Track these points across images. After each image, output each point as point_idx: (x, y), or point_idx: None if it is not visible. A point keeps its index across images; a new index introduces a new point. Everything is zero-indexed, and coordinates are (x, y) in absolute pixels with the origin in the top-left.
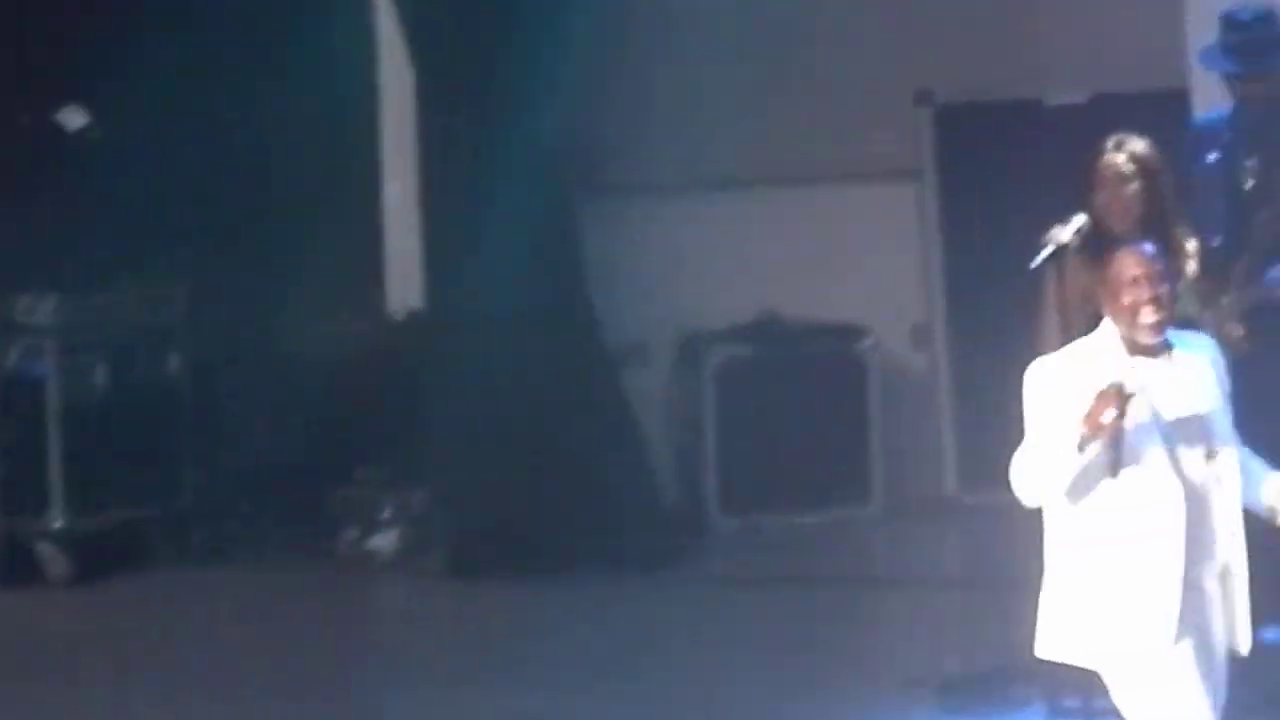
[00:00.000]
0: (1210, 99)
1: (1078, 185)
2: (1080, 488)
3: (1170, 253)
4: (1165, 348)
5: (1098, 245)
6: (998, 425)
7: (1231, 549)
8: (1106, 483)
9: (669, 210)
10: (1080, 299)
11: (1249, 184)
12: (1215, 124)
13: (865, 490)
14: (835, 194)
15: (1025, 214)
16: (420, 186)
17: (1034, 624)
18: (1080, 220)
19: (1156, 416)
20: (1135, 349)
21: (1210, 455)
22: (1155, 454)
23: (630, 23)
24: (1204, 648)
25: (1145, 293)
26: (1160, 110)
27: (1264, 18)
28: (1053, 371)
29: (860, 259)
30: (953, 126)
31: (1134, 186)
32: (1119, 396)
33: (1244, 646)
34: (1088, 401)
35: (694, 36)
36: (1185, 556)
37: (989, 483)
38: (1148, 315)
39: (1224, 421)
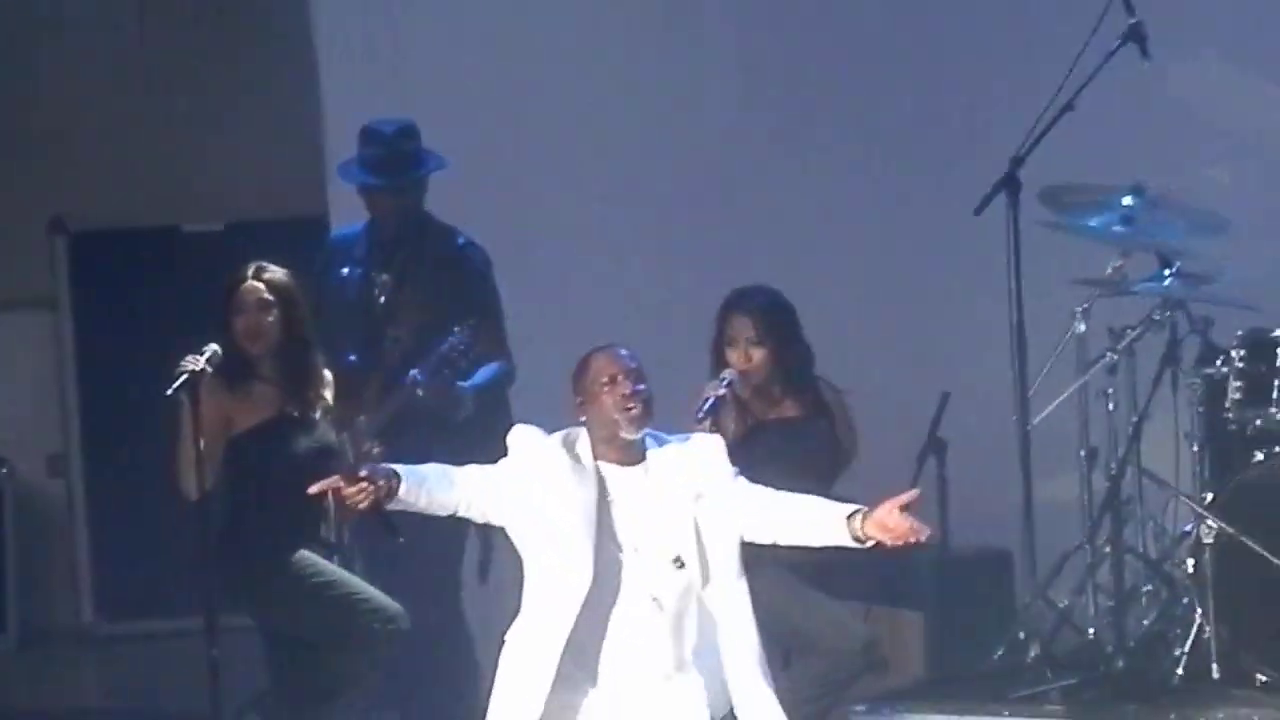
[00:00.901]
0: (350, 221)
1: (215, 311)
2: None
3: (308, 379)
4: (639, 456)
5: (233, 370)
6: (134, 553)
7: (672, 657)
8: (546, 563)
9: None
10: (216, 424)
11: (381, 299)
12: (350, 239)
13: (0, 620)
14: None
15: (162, 342)
16: None
17: None
18: (212, 348)
19: (613, 518)
20: (606, 454)
21: (679, 562)
22: (582, 544)
23: None
24: None
25: (625, 388)
26: (297, 235)
27: (404, 131)
28: (532, 439)
29: None
30: (88, 254)
31: (272, 314)
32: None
33: None
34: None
35: None
36: (572, 655)
37: (127, 611)
38: (632, 409)
39: (692, 524)
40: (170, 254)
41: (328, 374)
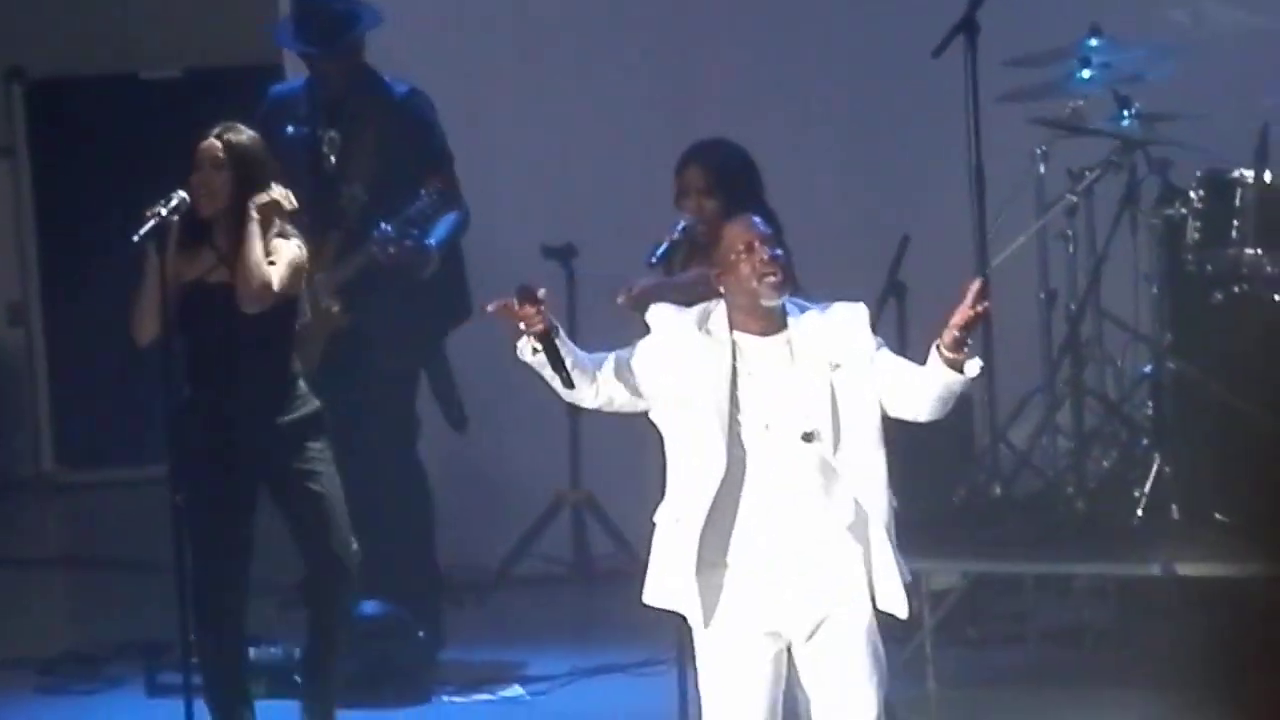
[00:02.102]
0: (305, 71)
1: (178, 160)
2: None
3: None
4: (780, 324)
5: (193, 225)
6: (94, 402)
7: (810, 534)
8: (709, 450)
9: None
10: (171, 275)
11: (332, 158)
12: (291, 96)
13: None
14: None
15: (121, 189)
16: None
17: (132, 603)
18: (180, 196)
19: (744, 393)
20: (746, 324)
21: (808, 437)
22: (713, 428)
23: None
24: (751, 629)
25: (763, 254)
26: (256, 82)
27: None
28: (669, 314)
29: None
30: (46, 102)
31: (224, 175)
32: (525, 298)
33: (885, 604)
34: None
35: None
36: (714, 537)
37: (87, 459)
38: (770, 275)
39: (828, 396)
40: (128, 101)
41: (294, 248)
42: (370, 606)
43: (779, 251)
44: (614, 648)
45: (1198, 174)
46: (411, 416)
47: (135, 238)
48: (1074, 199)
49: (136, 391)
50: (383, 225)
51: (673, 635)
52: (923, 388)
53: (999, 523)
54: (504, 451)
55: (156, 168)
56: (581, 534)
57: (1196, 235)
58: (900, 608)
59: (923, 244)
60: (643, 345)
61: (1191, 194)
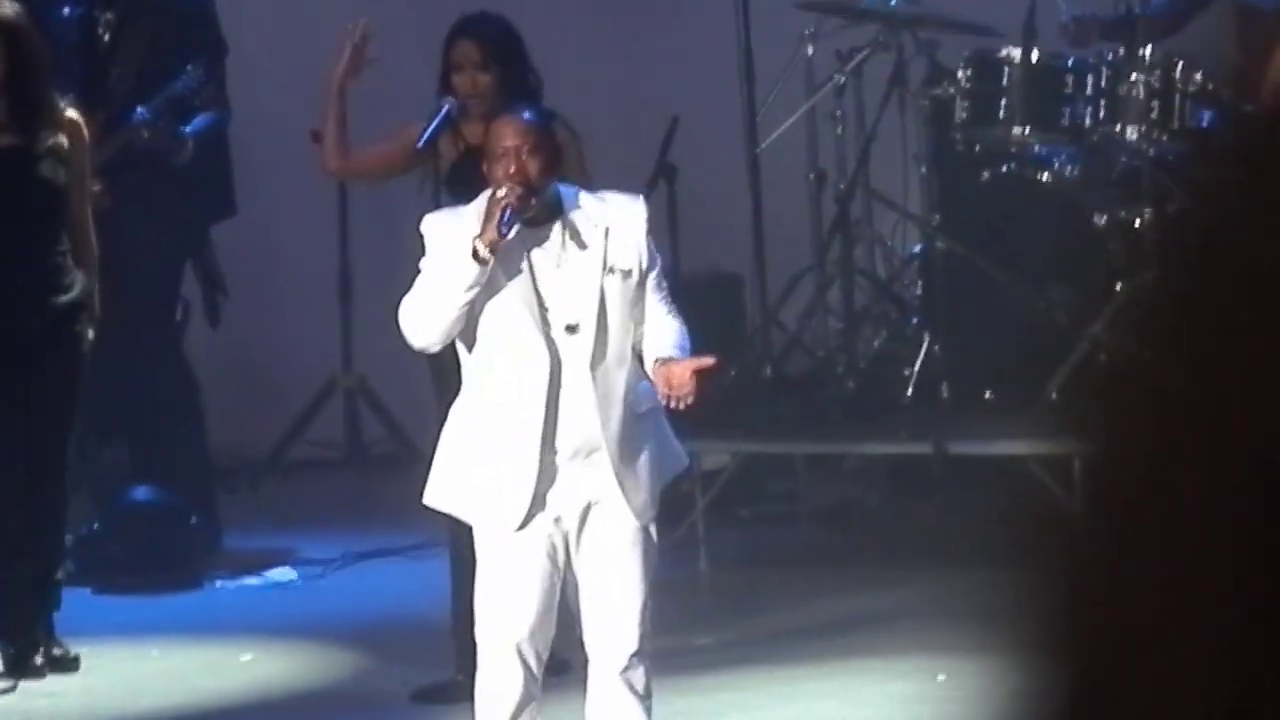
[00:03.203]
0: None
1: None
2: (461, 319)
3: (31, 115)
4: (553, 215)
5: None
6: None
7: (592, 427)
8: (489, 344)
9: None
10: None
11: (105, 37)
12: None
13: None
14: None
15: None
16: None
17: None
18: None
19: (524, 287)
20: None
21: (571, 329)
22: (524, 325)
23: None
24: (552, 527)
25: (511, 165)
26: None
27: None
28: (443, 224)
29: None
30: None
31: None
32: (513, 197)
33: (639, 518)
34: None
35: None
36: (542, 437)
37: None
38: (506, 189)
39: (597, 291)
40: None
41: (69, 113)
42: (142, 492)
43: (537, 159)
44: (387, 532)
45: (965, 54)
46: (174, 303)
47: None
48: (842, 79)
49: None
50: (140, 109)
51: (444, 520)
52: (643, 351)
53: (770, 402)
54: (275, 336)
55: None
56: (355, 419)
57: (964, 114)
58: (644, 518)
59: (692, 126)
60: (431, 257)
61: (959, 73)
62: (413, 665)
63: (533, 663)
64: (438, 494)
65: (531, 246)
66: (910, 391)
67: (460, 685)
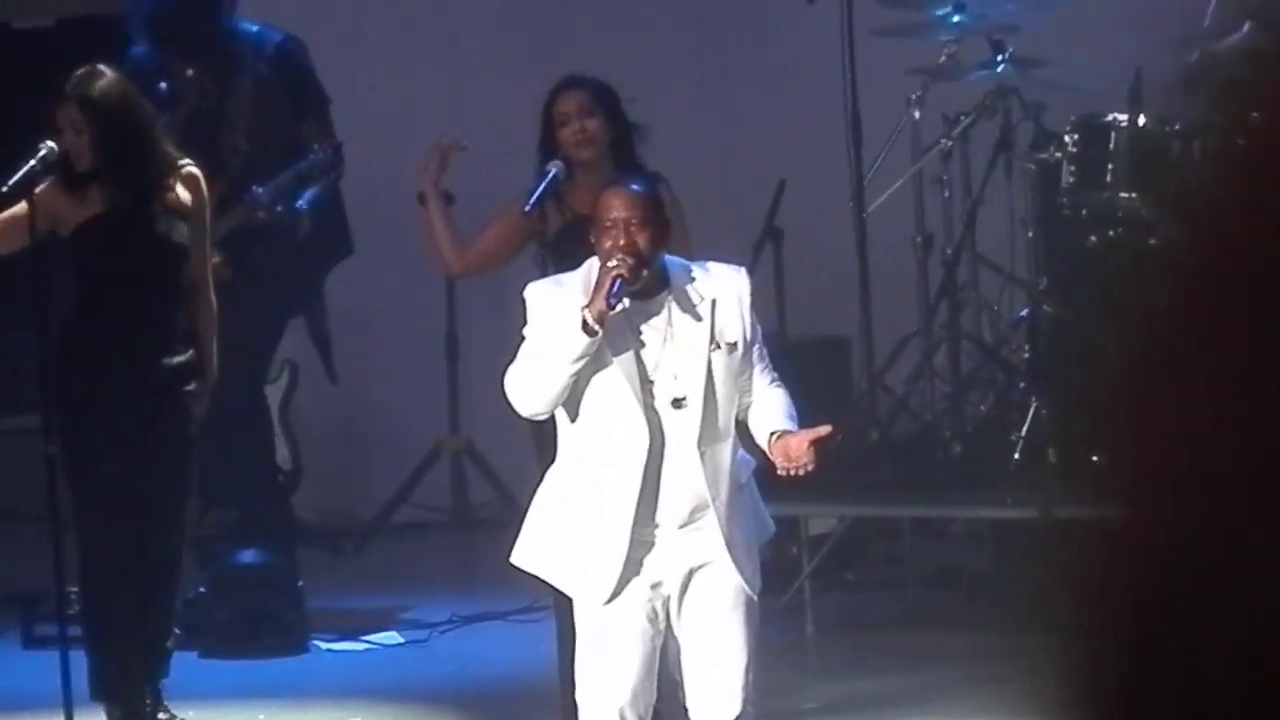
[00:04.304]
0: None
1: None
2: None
3: (141, 174)
4: (660, 287)
5: (69, 171)
6: None
7: (700, 501)
8: (590, 413)
9: None
10: (43, 222)
11: (206, 109)
12: (155, 59)
13: None
14: None
15: None
16: None
17: (8, 554)
18: (49, 146)
19: (630, 359)
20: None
21: (678, 403)
22: (628, 398)
23: None
24: (650, 593)
25: (621, 238)
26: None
27: None
28: (546, 295)
29: None
30: None
31: (86, 134)
32: (624, 268)
33: (749, 585)
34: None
35: None
36: (637, 511)
37: None
38: (617, 260)
39: (704, 366)
40: (2, 50)
41: (189, 168)
42: (247, 555)
43: (646, 233)
44: (493, 595)
45: (1072, 118)
46: (268, 359)
47: (4, 188)
48: (949, 143)
49: (8, 341)
50: (255, 189)
51: (548, 584)
52: (755, 418)
53: (876, 466)
54: (383, 399)
55: (29, 118)
56: (461, 481)
57: (1071, 179)
58: (753, 585)
59: (799, 189)
60: (534, 327)
61: (1066, 138)
62: None
63: None
64: (527, 556)
65: (638, 319)
66: (1017, 455)
67: None
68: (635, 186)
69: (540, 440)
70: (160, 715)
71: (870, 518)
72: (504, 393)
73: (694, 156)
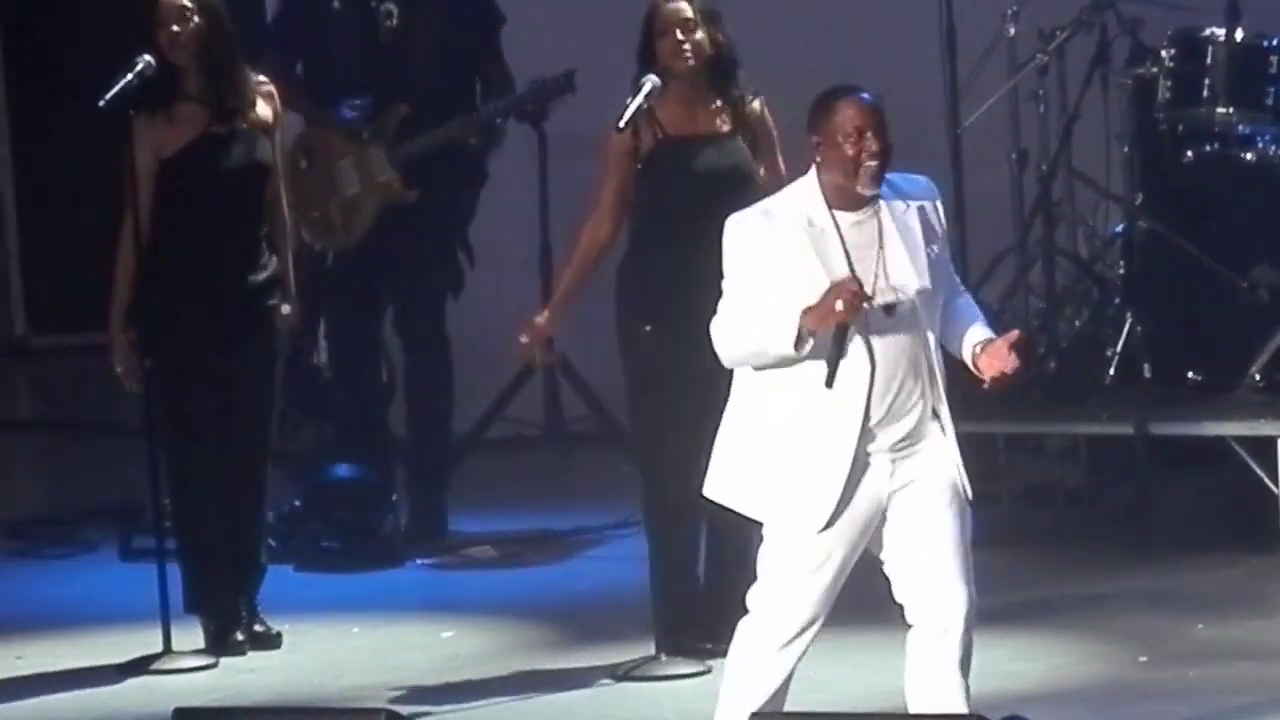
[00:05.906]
0: None
1: (143, 22)
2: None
3: (231, 91)
4: (872, 199)
5: (160, 88)
6: (66, 266)
7: (921, 404)
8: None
9: None
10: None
11: (390, 26)
12: None
13: None
14: None
15: (88, 53)
16: None
17: (106, 468)
18: (145, 59)
19: (842, 272)
20: (837, 202)
21: (889, 309)
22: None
23: None
24: (869, 516)
25: (872, 144)
26: None
27: None
28: (751, 229)
29: None
30: None
31: (191, 23)
32: (852, 294)
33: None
34: (808, 283)
35: None
36: (861, 430)
37: (58, 324)
38: (870, 167)
39: (916, 272)
40: None
41: (264, 83)
42: (342, 470)
43: (885, 139)
44: (587, 510)
45: (1169, 33)
46: (460, 282)
47: (101, 103)
48: (1045, 58)
49: (109, 256)
50: (485, 107)
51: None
52: (951, 331)
53: (970, 383)
54: (474, 315)
55: (125, 33)
56: (555, 396)
57: (1167, 94)
58: (969, 488)
59: (894, 105)
60: (741, 266)
61: (1163, 53)
62: (612, 643)
63: (799, 654)
64: (724, 489)
65: (850, 232)
66: (1112, 372)
67: (660, 663)
68: (865, 95)
69: None
70: (255, 628)
71: (965, 434)
72: (599, 307)
73: (788, 74)
